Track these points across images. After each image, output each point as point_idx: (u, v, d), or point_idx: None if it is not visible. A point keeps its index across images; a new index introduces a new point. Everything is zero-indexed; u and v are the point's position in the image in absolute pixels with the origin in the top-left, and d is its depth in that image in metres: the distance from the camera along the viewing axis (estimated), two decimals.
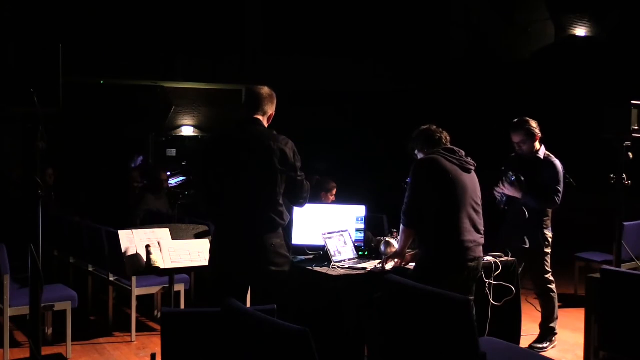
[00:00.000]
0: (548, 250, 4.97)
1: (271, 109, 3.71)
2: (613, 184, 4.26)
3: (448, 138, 3.98)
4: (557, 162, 4.88)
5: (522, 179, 4.79)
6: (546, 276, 5.00)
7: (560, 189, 4.80)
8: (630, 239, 5.30)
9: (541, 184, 4.82)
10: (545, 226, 4.93)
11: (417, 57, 12.61)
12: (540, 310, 5.16)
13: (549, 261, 5.00)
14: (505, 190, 4.85)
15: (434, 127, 4.01)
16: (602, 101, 4.73)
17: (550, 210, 4.96)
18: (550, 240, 4.97)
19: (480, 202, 3.91)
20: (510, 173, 4.81)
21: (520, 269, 4.89)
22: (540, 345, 5.01)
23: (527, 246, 4.86)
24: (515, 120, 4.96)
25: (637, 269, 5.09)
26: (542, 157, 4.90)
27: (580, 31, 11.66)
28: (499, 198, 4.95)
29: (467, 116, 11.61)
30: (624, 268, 4.37)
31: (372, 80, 12.52)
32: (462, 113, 11.67)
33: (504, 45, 12.49)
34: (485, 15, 12.91)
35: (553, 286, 5.04)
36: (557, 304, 5.08)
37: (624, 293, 3.49)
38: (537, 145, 4.91)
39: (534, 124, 4.88)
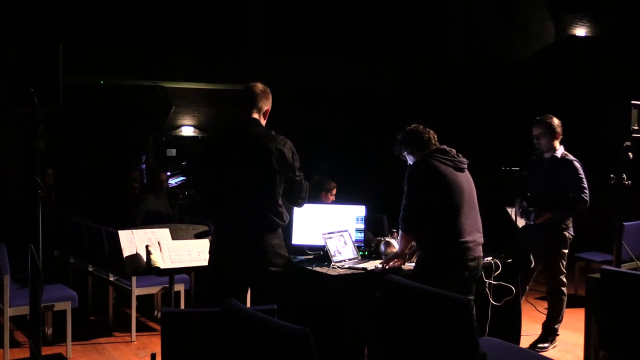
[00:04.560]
0: (566, 251, 4.98)
1: (266, 105, 3.71)
2: (613, 184, 4.26)
3: (435, 137, 3.96)
4: (576, 161, 4.91)
5: (536, 210, 4.85)
6: (561, 277, 4.99)
7: (585, 185, 4.83)
8: (630, 239, 5.30)
9: (561, 183, 4.86)
10: (564, 226, 4.94)
11: (416, 58, 12.60)
12: (539, 310, 5.14)
13: (564, 263, 5.00)
14: (537, 220, 4.87)
15: (421, 127, 3.98)
16: (602, 101, 4.73)
17: None
18: (568, 241, 4.97)
19: (476, 200, 3.92)
20: (531, 214, 4.86)
21: (532, 265, 4.97)
22: (542, 345, 5.00)
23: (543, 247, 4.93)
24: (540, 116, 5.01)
25: (637, 269, 5.08)
26: (559, 156, 4.93)
27: (580, 31, 11.66)
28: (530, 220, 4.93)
29: (467, 116, 11.59)
30: (624, 268, 4.37)
31: (372, 80, 12.50)
32: (462, 113, 11.66)
33: (504, 45, 12.48)
34: (485, 15, 12.90)
35: (565, 288, 5.02)
36: (565, 306, 5.06)
37: (624, 293, 3.49)
38: (556, 144, 4.94)
39: (556, 121, 4.94)
